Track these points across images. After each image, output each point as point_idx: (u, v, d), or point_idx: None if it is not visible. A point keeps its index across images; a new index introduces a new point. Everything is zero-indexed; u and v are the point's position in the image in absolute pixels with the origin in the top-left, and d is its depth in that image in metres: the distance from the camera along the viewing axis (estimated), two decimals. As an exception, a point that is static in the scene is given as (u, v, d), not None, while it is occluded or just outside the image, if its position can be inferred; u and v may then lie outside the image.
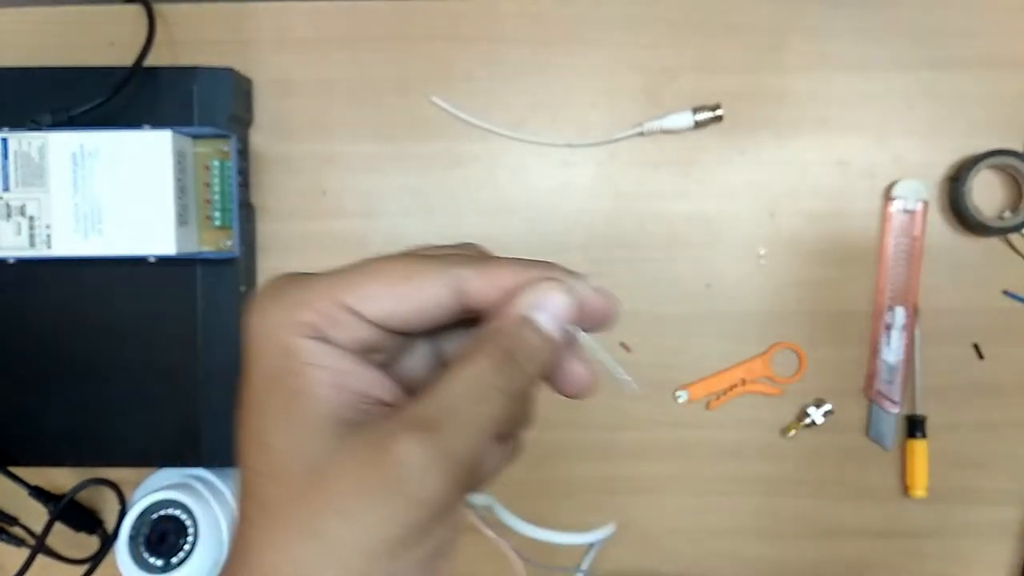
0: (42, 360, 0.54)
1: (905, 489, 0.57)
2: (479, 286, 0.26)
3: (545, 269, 0.26)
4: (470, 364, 0.25)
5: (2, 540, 0.58)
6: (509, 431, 0.28)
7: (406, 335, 0.27)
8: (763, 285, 0.57)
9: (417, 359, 0.29)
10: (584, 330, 0.27)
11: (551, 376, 0.27)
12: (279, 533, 0.24)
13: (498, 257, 0.27)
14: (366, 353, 0.26)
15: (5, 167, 0.50)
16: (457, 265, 0.26)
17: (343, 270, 0.26)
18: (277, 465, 0.25)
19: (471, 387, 0.25)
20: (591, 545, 0.32)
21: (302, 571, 0.24)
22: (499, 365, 0.25)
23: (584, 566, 0.34)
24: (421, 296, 0.25)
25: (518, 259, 0.27)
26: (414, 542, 0.24)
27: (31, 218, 0.50)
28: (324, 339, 0.25)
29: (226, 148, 0.53)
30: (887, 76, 0.57)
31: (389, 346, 0.27)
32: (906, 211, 0.56)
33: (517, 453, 0.29)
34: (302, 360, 0.25)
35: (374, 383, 0.26)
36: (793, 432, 0.57)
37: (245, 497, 0.26)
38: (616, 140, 0.57)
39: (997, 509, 0.57)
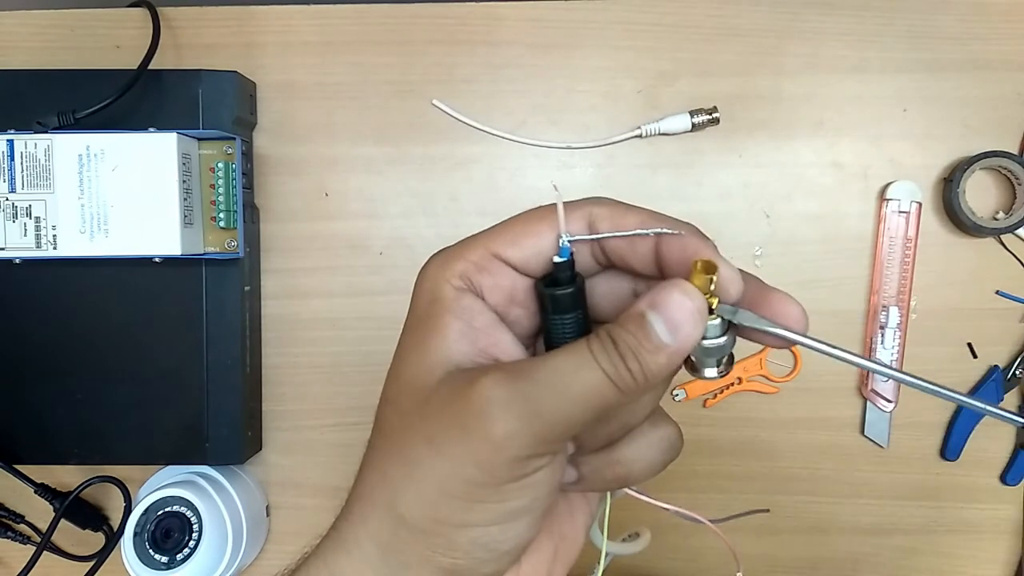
0: (48, 359, 0.55)
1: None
2: (608, 227, 0.27)
3: (671, 223, 0.26)
4: (581, 341, 0.25)
5: (8, 537, 0.58)
6: (621, 423, 0.28)
7: None
8: (759, 285, 0.58)
9: None
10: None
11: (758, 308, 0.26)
12: (383, 455, 0.27)
13: (629, 204, 0.28)
14: (511, 305, 0.28)
15: (11, 169, 0.50)
16: (589, 205, 0.27)
17: (497, 224, 0.28)
18: (399, 394, 0.27)
19: (573, 355, 0.25)
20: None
21: (390, 491, 0.26)
22: (606, 349, 0.24)
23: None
24: (557, 234, 0.27)
25: (649, 210, 0.27)
26: (490, 493, 0.25)
27: (37, 219, 0.51)
28: (471, 289, 0.27)
29: (230, 150, 0.53)
30: (882, 79, 0.57)
31: (531, 305, 0.28)
32: (900, 212, 0.57)
33: (663, 453, 0.29)
34: (444, 306, 0.27)
35: (500, 344, 0.27)
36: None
37: (374, 422, 0.28)
38: (615, 142, 0.58)
39: (992, 507, 0.58)
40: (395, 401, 0.28)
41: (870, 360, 0.25)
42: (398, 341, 0.29)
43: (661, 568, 0.59)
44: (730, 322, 0.25)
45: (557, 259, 0.27)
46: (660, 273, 0.27)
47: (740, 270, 0.26)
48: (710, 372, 0.26)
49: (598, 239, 0.27)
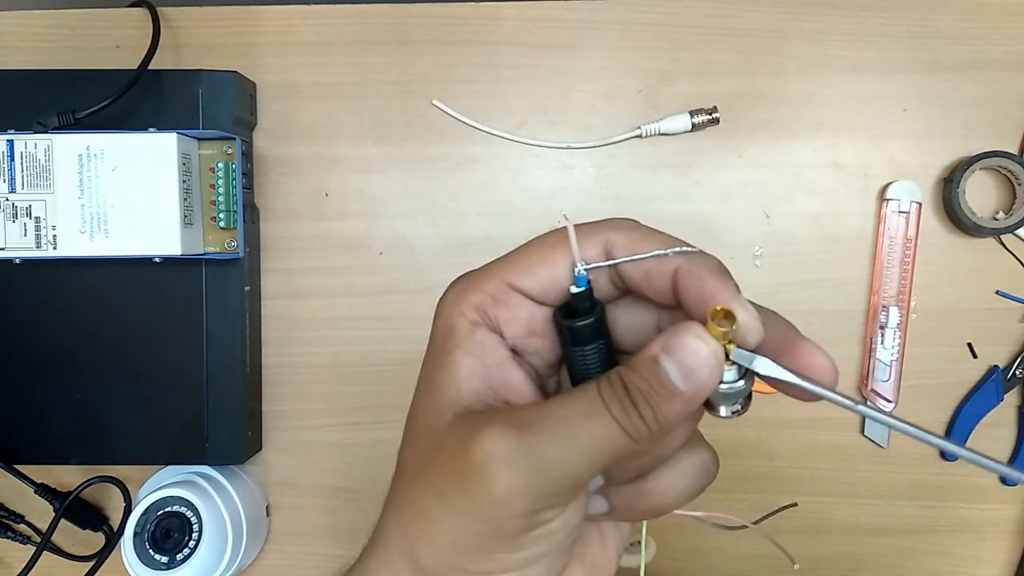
0: (48, 359, 0.55)
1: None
2: (624, 253, 0.25)
3: (692, 257, 0.25)
4: (592, 384, 0.24)
5: (8, 537, 0.58)
6: (654, 455, 0.26)
7: None
8: (759, 285, 0.58)
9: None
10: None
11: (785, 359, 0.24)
12: (400, 497, 0.27)
13: (650, 228, 0.26)
14: (528, 337, 0.27)
15: (12, 169, 0.50)
16: (606, 230, 0.26)
17: (512, 251, 0.27)
18: (412, 435, 0.27)
19: (583, 401, 0.24)
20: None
21: (406, 538, 0.26)
22: (618, 395, 0.24)
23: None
24: (573, 260, 0.25)
25: (669, 236, 0.26)
26: (502, 545, 0.24)
27: (37, 219, 0.51)
28: (487, 323, 0.26)
29: (230, 150, 0.53)
30: (882, 79, 0.57)
31: (552, 335, 0.27)
32: (900, 212, 0.57)
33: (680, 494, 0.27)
34: (455, 341, 0.26)
35: (512, 385, 0.26)
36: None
37: (398, 457, 0.28)
38: (615, 142, 0.58)
39: (992, 506, 0.58)
40: (412, 442, 0.27)
41: (915, 426, 0.24)
42: (420, 372, 0.28)
43: (662, 568, 0.59)
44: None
45: (574, 289, 0.26)
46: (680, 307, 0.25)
47: (771, 312, 0.25)
48: (726, 411, 0.25)
49: (615, 264, 0.26)
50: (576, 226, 0.26)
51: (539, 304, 0.27)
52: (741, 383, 0.24)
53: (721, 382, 0.24)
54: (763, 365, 0.24)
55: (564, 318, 0.26)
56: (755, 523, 0.30)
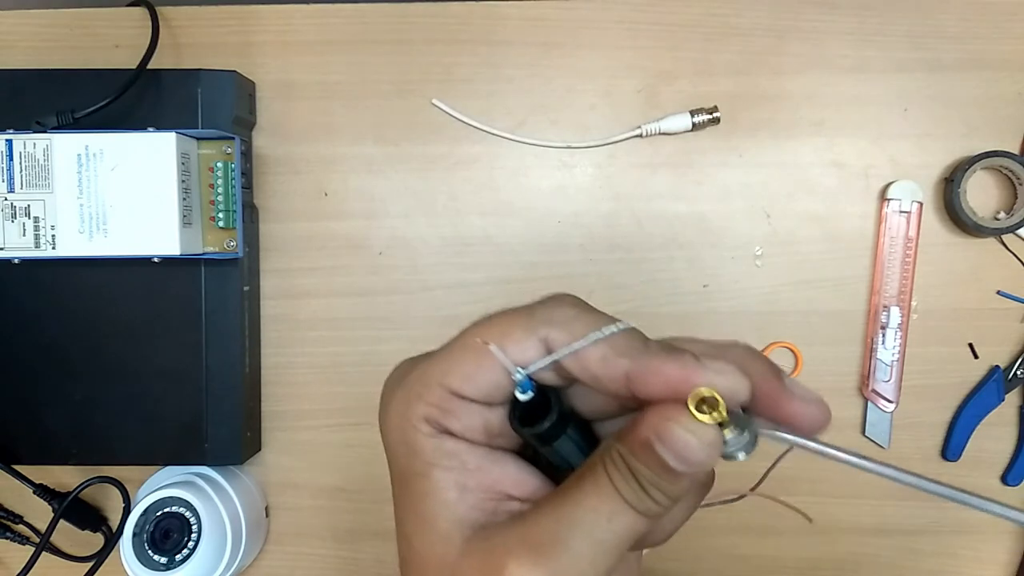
0: (47, 359, 0.55)
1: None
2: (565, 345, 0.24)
3: (658, 353, 0.24)
4: (600, 472, 0.23)
5: (7, 538, 0.58)
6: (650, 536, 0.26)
7: None
8: (759, 285, 0.58)
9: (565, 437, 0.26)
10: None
11: (775, 419, 0.24)
12: None
13: (593, 315, 0.25)
14: (493, 438, 0.25)
15: (10, 168, 0.50)
16: (545, 326, 0.24)
17: (446, 348, 0.25)
18: (418, 558, 0.25)
19: (596, 498, 0.23)
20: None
21: None
22: (628, 481, 0.23)
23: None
24: (515, 364, 0.24)
25: (610, 317, 0.24)
26: None
27: (36, 219, 0.51)
28: (446, 431, 0.25)
29: (230, 150, 0.53)
30: (883, 78, 0.57)
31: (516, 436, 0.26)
32: (901, 212, 0.57)
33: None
34: (426, 460, 0.25)
35: (503, 477, 0.25)
36: None
37: (401, 569, 0.27)
38: (615, 142, 0.57)
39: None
40: (416, 564, 0.26)
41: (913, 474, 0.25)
42: (393, 493, 0.26)
43: (663, 570, 0.59)
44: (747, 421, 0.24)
45: (521, 396, 0.24)
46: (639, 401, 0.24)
47: (744, 351, 0.25)
48: (742, 457, 0.24)
49: (556, 360, 0.24)
50: (512, 316, 0.25)
51: (490, 406, 0.25)
52: (745, 436, 0.24)
53: (724, 442, 0.24)
54: (757, 428, 0.24)
55: (522, 425, 0.24)
56: (752, 489, 0.30)
